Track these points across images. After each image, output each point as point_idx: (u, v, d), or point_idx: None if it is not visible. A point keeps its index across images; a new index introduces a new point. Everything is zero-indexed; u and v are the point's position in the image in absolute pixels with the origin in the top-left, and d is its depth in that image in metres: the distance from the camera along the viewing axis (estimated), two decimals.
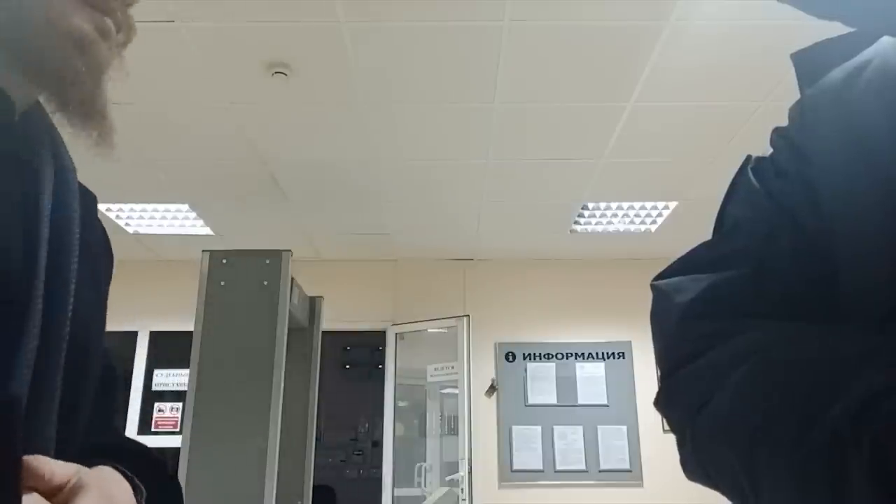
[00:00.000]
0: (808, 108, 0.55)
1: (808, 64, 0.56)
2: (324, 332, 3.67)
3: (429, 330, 5.80)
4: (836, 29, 0.51)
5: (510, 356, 5.79)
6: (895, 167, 0.45)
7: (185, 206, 4.84)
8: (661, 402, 0.57)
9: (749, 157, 0.60)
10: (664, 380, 0.57)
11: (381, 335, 5.98)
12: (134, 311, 5.84)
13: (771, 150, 0.59)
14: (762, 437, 0.43)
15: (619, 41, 2.93)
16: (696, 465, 0.52)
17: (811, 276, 0.51)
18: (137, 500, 0.53)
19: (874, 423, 0.37)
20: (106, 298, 0.67)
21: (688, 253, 0.59)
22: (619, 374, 5.73)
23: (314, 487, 3.43)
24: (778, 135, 0.58)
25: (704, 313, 0.54)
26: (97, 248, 0.65)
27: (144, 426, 5.68)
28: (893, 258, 0.44)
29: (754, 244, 0.54)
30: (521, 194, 4.63)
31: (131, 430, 5.67)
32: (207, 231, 5.27)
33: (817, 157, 0.52)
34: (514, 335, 5.83)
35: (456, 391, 5.44)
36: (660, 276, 0.60)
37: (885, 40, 0.49)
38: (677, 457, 0.55)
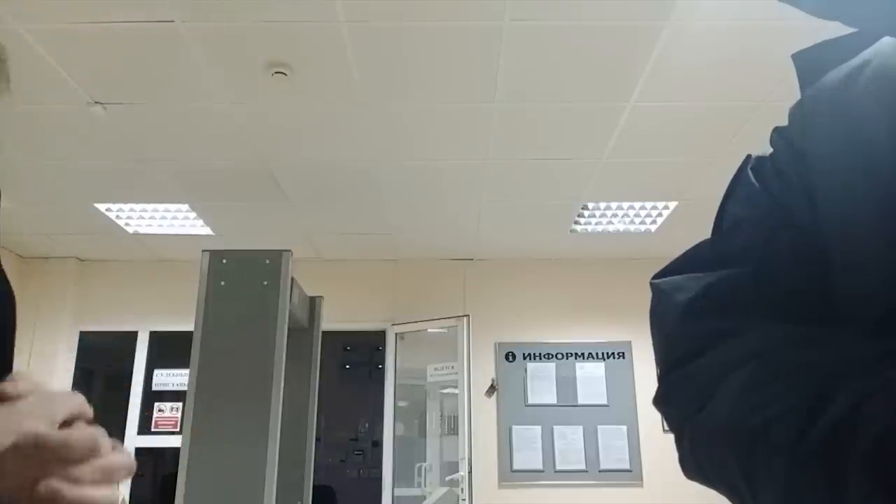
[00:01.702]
0: (807, 108, 0.55)
1: (809, 64, 0.56)
2: (324, 332, 3.67)
3: (429, 330, 5.80)
4: (837, 29, 0.51)
5: (510, 356, 5.79)
6: (892, 169, 0.45)
7: (185, 206, 4.84)
8: (661, 401, 0.57)
9: (749, 156, 0.60)
10: (664, 378, 0.57)
11: (381, 335, 5.99)
12: (134, 311, 5.85)
13: (771, 150, 0.59)
14: (761, 438, 0.43)
15: (619, 41, 2.93)
16: (694, 463, 0.52)
17: (811, 277, 0.51)
18: None
19: (872, 424, 0.37)
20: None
21: (687, 251, 0.59)
22: (619, 374, 5.73)
23: (314, 487, 3.43)
24: (778, 134, 0.58)
25: (706, 311, 0.54)
26: None
27: (144, 426, 5.68)
28: (889, 261, 0.44)
29: (754, 243, 0.54)
30: (521, 194, 4.63)
31: (131, 430, 5.67)
32: (207, 231, 5.27)
33: (815, 159, 0.52)
34: (514, 335, 5.83)
35: (456, 391, 5.44)
36: (659, 275, 0.60)
37: (886, 41, 0.49)
38: (677, 456, 0.55)
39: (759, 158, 0.58)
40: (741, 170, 0.59)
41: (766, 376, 0.46)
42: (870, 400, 0.38)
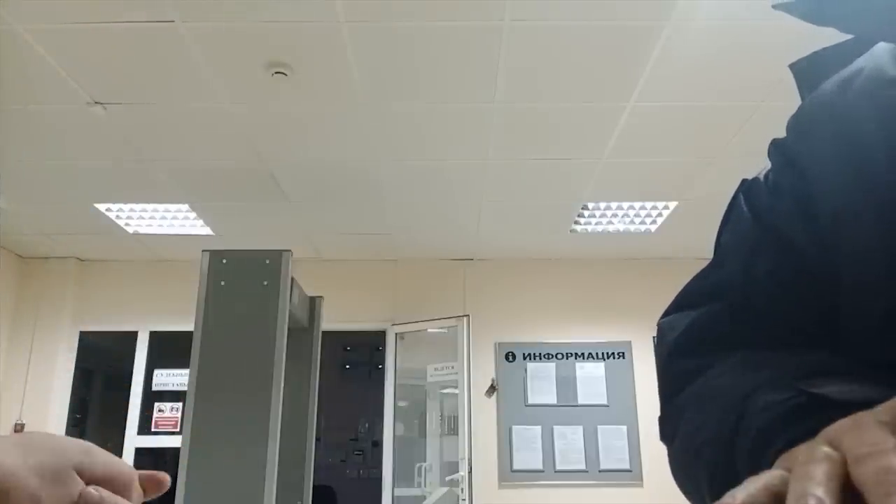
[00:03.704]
0: (803, 116, 0.55)
1: (807, 73, 0.57)
2: (324, 332, 3.67)
3: (429, 330, 5.80)
4: (834, 33, 0.51)
5: (510, 356, 5.79)
6: (887, 173, 0.45)
7: (185, 206, 4.84)
8: (660, 436, 0.61)
9: (744, 180, 0.60)
10: (660, 414, 0.61)
11: (381, 335, 5.98)
12: (134, 311, 5.85)
13: (769, 166, 0.59)
14: (698, 462, 0.49)
15: (619, 41, 2.93)
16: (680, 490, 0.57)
17: (791, 297, 0.52)
18: None
19: (752, 426, 0.42)
20: None
21: (685, 286, 0.62)
22: (619, 374, 5.73)
23: (314, 487, 3.42)
24: (774, 147, 0.58)
25: (687, 350, 0.57)
26: None
27: (144, 426, 5.68)
28: (887, 263, 0.44)
29: (734, 274, 0.56)
30: (521, 194, 4.63)
31: (131, 431, 5.67)
32: (207, 231, 5.27)
33: (811, 167, 0.53)
34: (514, 335, 5.83)
35: (456, 391, 5.44)
36: (664, 314, 0.63)
37: (879, 47, 0.50)
38: None
39: (753, 181, 0.60)
40: (735, 195, 0.60)
41: (699, 405, 0.52)
42: (754, 416, 0.43)
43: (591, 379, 5.72)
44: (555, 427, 5.58)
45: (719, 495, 0.30)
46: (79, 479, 0.43)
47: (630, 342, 5.77)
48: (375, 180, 4.37)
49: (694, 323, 0.57)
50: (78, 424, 6.24)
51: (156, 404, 5.73)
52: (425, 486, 5.65)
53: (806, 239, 0.51)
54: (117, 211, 4.92)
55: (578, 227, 5.29)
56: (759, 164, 0.60)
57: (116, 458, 0.46)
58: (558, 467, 5.50)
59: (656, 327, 0.62)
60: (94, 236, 5.41)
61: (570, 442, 5.55)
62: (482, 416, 5.59)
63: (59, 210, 4.89)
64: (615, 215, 5.04)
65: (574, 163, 4.13)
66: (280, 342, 2.90)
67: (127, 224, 5.15)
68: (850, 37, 0.52)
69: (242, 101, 3.41)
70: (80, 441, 0.45)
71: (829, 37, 0.53)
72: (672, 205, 4.79)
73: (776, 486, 0.30)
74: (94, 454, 0.44)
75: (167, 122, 3.61)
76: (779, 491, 0.29)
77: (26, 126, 3.64)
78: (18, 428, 5.44)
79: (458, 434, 5.30)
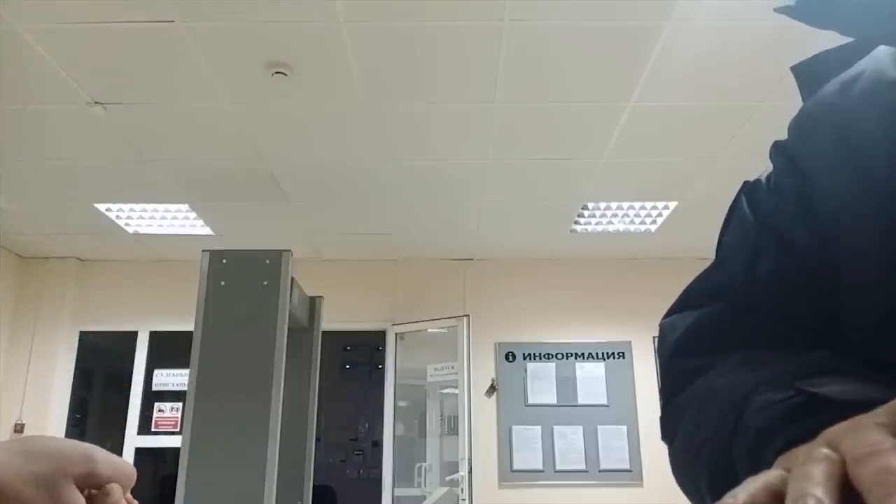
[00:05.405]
0: (804, 118, 0.56)
1: (808, 75, 0.57)
2: (324, 332, 3.67)
3: (429, 330, 5.80)
4: (834, 36, 0.52)
5: (510, 356, 5.79)
6: (888, 172, 0.45)
7: (185, 206, 4.84)
8: (661, 436, 0.62)
9: (746, 182, 0.60)
10: (661, 414, 0.61)
11: (381, 335, 5.99)
12: (134, 311, 5.85)
13: (771, 168, 0.59)
14: (698, 462, 0.49)
15: (619, 41, 2.93)
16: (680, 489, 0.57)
17: (793, 297, 0.52)
18: None
19: (750, 426, 0.43)
20: None
21: (687, 286, 0.62)
22: (619, 374, 5.73)
23: (314, 487, 3.42)
24: (776, 149, 0.58)
25: (688, 350, 0.57)
26: None
27: (144, 426, 5.68)
28: (887, 262, 0.44)
29: (736, 274, 0.57)
30: (521, 194, 4.63)
31: (131, 431, 5.67)
32: (207, 231, 5.27)
33: (812, 168, 0.53)
34: (514, 335, 5.83)
35: (456, 391, 5.44)
36: (666, 314, 0.63)
37: (880, 49, 0.50)
38: None
39: (755, 182, 0.60)
40: (737, 196, 0.61)
41: (699, 405, 0.52)
42: (750, 417, 0.43)
43: (591, 379, 5.72)
44: (555, 427, 5.58)
45: (719, 495, 0.30)
46: (75, 490, 0.43)
47: (630, 342, 5.77)
48: (375, 180, 4.37)
49: (695, 323, 0.57)
50: (78, 424, 6.24)
51: (156, 404, 5.73)
52: (425, 486, 5.65)
53: (807, 239, 0.51)
54: (117, 211, 4.92)
55: (578, 227, 5.29)
56: (759, 164, 0.60)
57: (118, 459, 0.46)
58: (558, 467, 5.50)
59: (658, 327, 0.63)
60: (94, 236, 5.41)
61: (570, 442, 5.55)
62: (482, 416, 5.59)
63: (59, 210, 4.89)
64: (615, 215, 5.04)
65: (574, 163, 4.13)
66: (280, 342, 2.90)
67: (127, 224, 5.15)
68: (851, 39, 0.52)
69: (242, 101, 3.41)
70: (84, 445, 0.45)
71: (830, 38, 0.54)
72: (672, 205, 4.79)
73: (776, 485, 0.30)
74: (97, 459, 0.45)
75: (167, 122, 3.61)
76: (778, 490, 0.29)
77: (26, 126, 3.64)
78: (18, 428, 5.44)
79: (458, 434, 5.31)
